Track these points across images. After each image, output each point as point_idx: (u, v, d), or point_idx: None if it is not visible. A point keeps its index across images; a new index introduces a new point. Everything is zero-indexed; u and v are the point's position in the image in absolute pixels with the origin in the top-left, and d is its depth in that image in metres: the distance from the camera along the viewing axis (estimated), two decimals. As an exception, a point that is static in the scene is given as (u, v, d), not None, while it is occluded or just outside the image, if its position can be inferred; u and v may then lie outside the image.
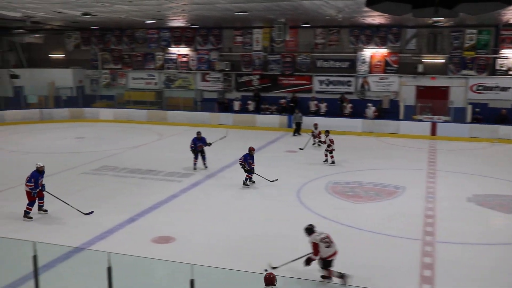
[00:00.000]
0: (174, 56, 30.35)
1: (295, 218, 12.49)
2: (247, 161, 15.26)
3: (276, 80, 28.37)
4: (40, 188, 12.34)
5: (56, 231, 11.46)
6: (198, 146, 17.36)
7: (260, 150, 20.61)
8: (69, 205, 12.64)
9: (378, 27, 25.89)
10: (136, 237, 11.14)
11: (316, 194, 14.63)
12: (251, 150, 15.52)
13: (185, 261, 7.31)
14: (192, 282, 6.34)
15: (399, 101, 26.24)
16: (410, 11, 7.09)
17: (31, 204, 12.27)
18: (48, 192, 12.66)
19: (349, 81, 27.06)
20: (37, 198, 12.41)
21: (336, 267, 8.88)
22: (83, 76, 32.41)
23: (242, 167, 15.38)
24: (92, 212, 12.67)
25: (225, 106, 28.78)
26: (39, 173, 12.37)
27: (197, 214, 12.78)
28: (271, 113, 27.36)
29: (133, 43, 31.08)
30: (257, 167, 15.57)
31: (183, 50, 30.07)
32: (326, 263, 8.86)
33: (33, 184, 12.20)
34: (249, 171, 15.27)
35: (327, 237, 8.97)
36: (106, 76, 32.00)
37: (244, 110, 28.15)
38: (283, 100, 27.56)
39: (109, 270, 6.65)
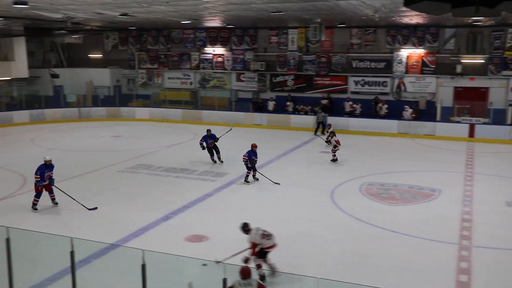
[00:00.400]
0: (209, 56, 30.55)
1: (328, 219, 12.43)
2: (251, 158, 15.52)
3: (311, 80, 28.24)
4: (47, 181, 12.81)
5: (92, 228, 11.67)
6: (210, 142, 18.13)
7: (295, 150, 20.55)
8: (74, 199, 13.02)
9: (415, 27, 25.48)
10: (170, 235, 11.25)
11: (350, 196, 14.50)
12: (254, 147, 15.83)
13: (217, 260, 7.35)
14: (224, 282, 6.36)
15: (436, 102, 25.77)
16: (449, 11, 6.92)
17: (37, 196, 12.78)
18: (56, 187, 13.08)
19: (385, 81, 26.73)
20: (47, 192, 12.99)
21: (371, 269, 8.77)
22: (120, 75, 32.96)
23: (245, 164, 15.61)
24: (96, 208, 12.95)
25: (259, 106, 28.81)
26: (46, 166, 12.80)
27: (231, 214, 12.83)
28: (306, 114, 27.22)
29: (169, 43, 31.42)
30: (292, 168, 15.54)
31: (219, 50, 30.24)
32: (262, 253, 8.94)
33: (39, 176, 12.67)
34: (252, 168, 15.62)
35: (265, 231, 9.07)
36: (143, 76, 32.45)
37: (278, 110, 28.08)
38: (326, 101, 27.33)
39: (143, 267, 6.73)
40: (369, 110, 26.49)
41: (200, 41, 30.47)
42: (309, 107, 27.48)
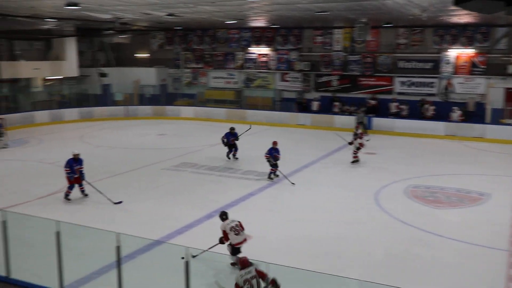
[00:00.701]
0: (254, 56, 30.65)
1: (372, 221, 12.27)
2: (273, 155, 15.75)
3: (355, 80, 27.94)
4: (77, 174, 13.57)
5: (137, 224, 11.89)
6: (231, 140, 18.72)
7: (339, 151, 20.38)
8: (101, 193, 13.58)
9: (464, 26, 24.82)
10: (213, 233, 11.29)
11: (394, 198, 14.27)
12: (274, 144, 16.02)
13: (260, 259, 7.36)
14: (274, 281, 6.36)
15: (485, 103, 25.03)
16: (503, 9, 6.73)
17: (70, 187, 13.64)
18: (87, 182, 13.91)
19: (432, 82, 26.16)
20: (77, 183, 13.77)
21: (416, 273, 8.60)
22: (166, 75, 33.46)
23: (268, 161, 15.88)
24: (121, 202, 13.38)
25: (303, 106, 28.71)
26: (74, 160, 13.60)
27: (274, 213, 12.84)
28: (350, 114, 26.94)
29: (214, 42, 31.70)
30: (335, 169, 15.40)
31: (263, 50, 30.30)
32: (234, 250, 9.07)
33: (69, 169, 13.52)
34: (275, 165, 15.81)
35: (238, 225, 9.25)
36: (188, 75, 32.85)
37: (323, 110, 27.91)
38: (374, 102, 26.99)
39: (187, 264, 6.81)
40: (415, 111, 25.99)
41: (245, 41, 30.60)
42: (354, 108, 27.19)
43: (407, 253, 10.30)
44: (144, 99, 32.01)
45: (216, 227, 11.68)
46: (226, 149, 19.03)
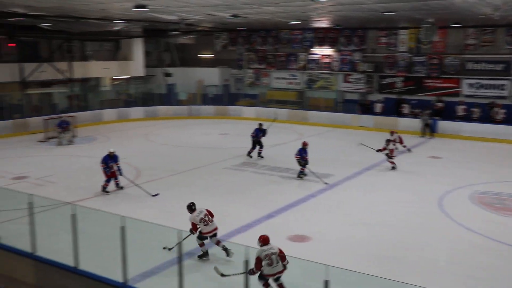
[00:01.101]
0: (316, 57, 30.49)
1: (436, 227, 11.93)
2: (302, 155, 16.12)
3: (420, 82, 27.21)
4: (112, 169, 14.57)
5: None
6: (260, 136, 19.05)
7: (402, 154, 19.93)
8: (138, 186, 14.46)
9: (540, 26, 23.68)
10: (272, 233, 11.27)
11: (460, 204, 13.81)
12: (305, 144, 16.37)
13: (319, 261, 7.32)
14: (326, 283, 6.32)
15: (561, 107, 23.79)
16: None
17: (107, 181, 14.62)
18: (125, 177, 14.74)
19: (503, 84, 25.07)
20: (112, 177, 14.71)
21: (484, 283, 8.29)
22: (229, 75, 33.85)
23: (297, 161, 16.22)
24: (158, 194, 14.03)
25: (366, 108, 28.27)
26: (109, 157, 14.59)
27: (335, 216, 12.73)
28: (415, 116, 26.23)
29: (277, 43, 31.78)
30: (398, 172, 15.07)
31: (326, 50, 30.08)
32: (200, 237, 9.54)
33: (104, 164, 14.55)
34: (305, 164, 16.13)
35: (206, 215, 9.61)
36: (250, 76, 33.10)
37: (386, 112, 27.37)
38: (441, 104, 26.22)
39: (246, 263, 6.87)
40: (483, 114, 25.00)
41: (308, 42, 30.49)
42: (418, 110, 26.48)
43: (472, 261, 9.95)
44: (207, 99, 32.56)
45: (275, 227, 11.77)
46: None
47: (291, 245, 10.60)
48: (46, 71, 26.98)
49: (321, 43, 30.13)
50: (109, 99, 30.60)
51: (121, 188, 14.82)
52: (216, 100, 32.27)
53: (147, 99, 31.91)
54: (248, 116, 30.31)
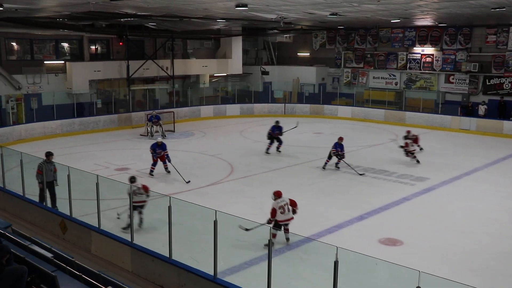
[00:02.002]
0: (417, 56, 29.46)
1: (542, 239, 11.13)
2: (337, 149, 17.02)
3: (532, 84, 25.44)
4: (159, 155, 16.31)
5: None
6: (276, 133, 19.59)
7: (506, 160, 18.79)
8: (179, 173, 15.62)
9: None
10: (364, 236, 11.19)
11: None
12: (341, 139, 17.21)
13: (411, 266, 7.07)
14: (419, 289, 6.11)
15: None
16: None
17: (153, 164, 16.46)
18: (173, 165, 16.08)
19: None
20: (161, 162, 16.46)
21: None
22: (326, 74, 33.61)
23: (335, 155, 17.07)
24: (189, 181, 15.25)
25: (468, 110, 26.87)
26: (157, 145, 16.29)
27: (429, 221, 12.26)
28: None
29: (376, 42, 31.09)
30: (501, 179, 14.19)
31: (428, 50, 28.98)
32: (133, 207, 10.40)
33: (152, 151, 16.31)
34: (341, 158, 17.07)
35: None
36: (348, 75, 32.66)
37: (491, 115, 25.84)
38: None
39: (336, 264, 6.79)
40: None
41: (409, 41, 29.54)
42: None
43: None
44: (302, 97, 32.55)
45: (367, 229, 11.56)
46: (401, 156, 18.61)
47: (381, 248, 10.38)
48: (150, 68, 28.33)
49: (423, 42, 29.07)
50: (207, 96, 31.51)
51: (169, 172, 16.54)
52: (311, 99, 32.18)
53: (244, 97, 32.50)
54: (343, 116, 29.97)
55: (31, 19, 22.21)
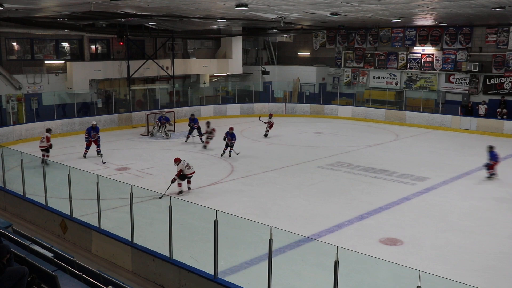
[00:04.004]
0: (417, 56, 29.46)
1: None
2: (228, 137, 18.70)
3: (532, 83, 25.43)
4: (93, 138, 18.44)
5: (289, 219, 12.16)
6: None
7: (507, 159, 18.79)
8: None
9: None
10: (364, 235, 11.18)
11: None
12: (231, 129, 18.71)
13: (411, 266, 7.08)
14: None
15: None
16: None
17: (87, 148, 18.51)
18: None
19: None
20: (95, 145, 18.39)
21: None
22: (326, 73, 33.61)
23: (226, 143, 18.85)
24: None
25: (468, 110, 26.86)
26: (92, 128, 18.57)
27: (430, 220, 12.26)
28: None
29: (376, 42, 31.09)
30: (502, 179, 14.15)
31: (428, 49, 28.97)
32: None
33: (87, 134, 18.47)
34: (231, 145, 18.73)
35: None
36: (348, 74, 32.66)
37: (491, 114, 25.84)
38: None
39: (336, 264, 6.79)
40: None
41: (409, 40, 29.54)
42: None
43: None
44: (303, 97, 32.55)
45: (367, 229, 11.55)
46: (406, 157, 18.52)
47: (382, 248, 10.38)
48: (150, 68, 28.33)
49: (423, 42, 29.07)
50: (207, 96, 31.50)
51: (101, 155, 18.22)
52: (311, 98, 32.19)
53: (244, 96, 32.49)
54: (344, 116, 29.97)
55: (31, 19, 22.22)
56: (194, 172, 14.30)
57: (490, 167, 16.14)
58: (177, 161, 14.04)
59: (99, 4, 16.79)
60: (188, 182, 14.33)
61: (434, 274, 7.03)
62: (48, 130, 18.02)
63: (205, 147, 20.67)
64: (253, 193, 14.40)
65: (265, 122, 23.64)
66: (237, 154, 19.08)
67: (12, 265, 5.87)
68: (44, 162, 14.21)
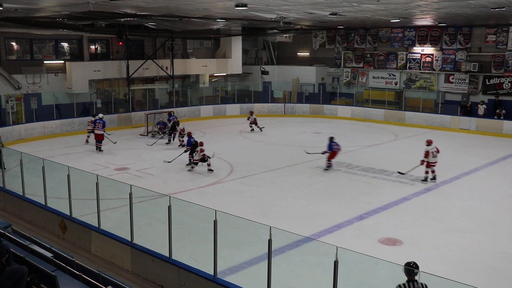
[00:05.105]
0: (417, 56, 29.46)
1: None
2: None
3: (531, 84, 25.43)
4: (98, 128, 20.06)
5: (289, 219, 12.16)
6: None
7: (507, 159, 18.80)
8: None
9: None
10: (363, 235, 11.18)
11: None
12: (188, 134, 18.33)
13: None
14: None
15: None
16: None
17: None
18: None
19: None
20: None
21: None
22: (326, 73, 33.61)
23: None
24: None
25: (468, 110, 26.85)
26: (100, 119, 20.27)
27: (429, 221, 12.26)
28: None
29: (376, 42, 31.09)
30: (502, 179, 14.14)
31: (428, 49, 28.98)
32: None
33: (93, 124, 20.26)
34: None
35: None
36: (347, 74, 32.65)
37: (489, 114, 25.84)
38: None
39: (336, 264, 6.79)
40: None
41: (409, 40, 29.54)
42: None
43: None
44: (302, 97, 32.55)
45: (366, 229, 11.55)
46: (405, 157, 18.49)
47: (382, 248, 10.39)
48: (149, 68, 28.33)
49: (422, 42, 29.07)
50: (207, 96, 31.50)
51: (101, 151, 19.72)
52: (311, 98, 32.19)
53: (243, 96, 32.48)
54: (343, 116, 29.96)
55: (30, 19, 22.20)
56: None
57: (328, 157, 17.15)
58: (201, 144, 16.51)
59: (99, 4, 16.78)
60: (208, 164, 16.41)
61: (434, 274, 7.03)
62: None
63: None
64: (253, 193, 14.40)
65: (250, 123, 24.99)
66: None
67: (11, 265, 5.86)
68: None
